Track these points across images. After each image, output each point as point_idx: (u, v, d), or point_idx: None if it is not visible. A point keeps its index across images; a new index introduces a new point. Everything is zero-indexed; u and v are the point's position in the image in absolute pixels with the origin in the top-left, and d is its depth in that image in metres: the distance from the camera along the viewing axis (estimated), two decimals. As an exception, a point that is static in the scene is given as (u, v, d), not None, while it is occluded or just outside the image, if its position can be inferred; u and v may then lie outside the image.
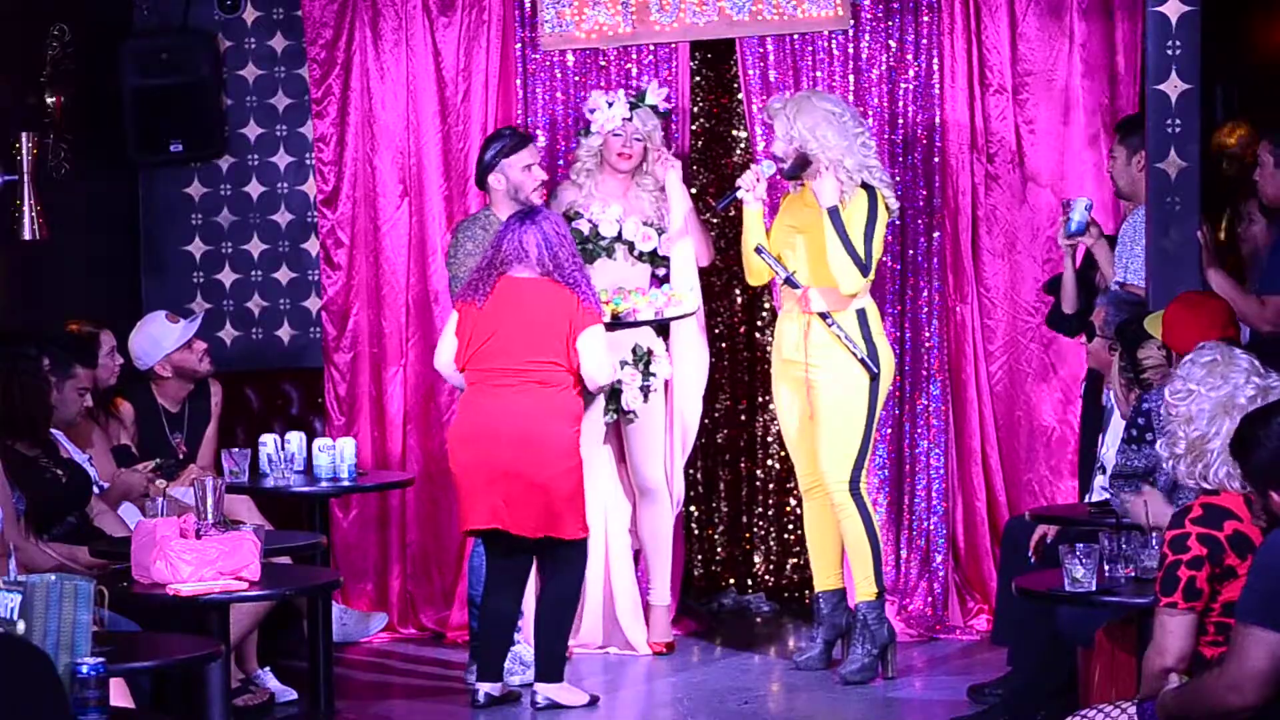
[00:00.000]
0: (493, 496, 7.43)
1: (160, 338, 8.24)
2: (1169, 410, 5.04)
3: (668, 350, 8.44)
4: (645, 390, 8.37)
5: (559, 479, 7.41)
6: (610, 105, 8.39)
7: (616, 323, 8.16)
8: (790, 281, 7.93)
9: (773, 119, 7.96)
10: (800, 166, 7.89)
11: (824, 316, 7.91)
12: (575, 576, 7.58)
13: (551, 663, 7.53)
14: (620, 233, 8.37)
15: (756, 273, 8.11)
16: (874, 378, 7.93)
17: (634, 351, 8.36)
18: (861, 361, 7.89)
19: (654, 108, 8.45)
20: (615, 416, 8.36)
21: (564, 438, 7.46)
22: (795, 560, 9.56)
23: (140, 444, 8.01)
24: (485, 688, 7.59)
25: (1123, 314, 7.24)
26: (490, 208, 8.12)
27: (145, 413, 8.16)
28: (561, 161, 8.72)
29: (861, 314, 7.95)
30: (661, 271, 8.43)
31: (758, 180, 7.97)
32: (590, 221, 8.34)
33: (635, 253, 8.39)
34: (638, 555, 8.55)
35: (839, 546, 8.06)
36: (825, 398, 7.93)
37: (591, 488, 8.30)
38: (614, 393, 8.32)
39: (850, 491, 7.92)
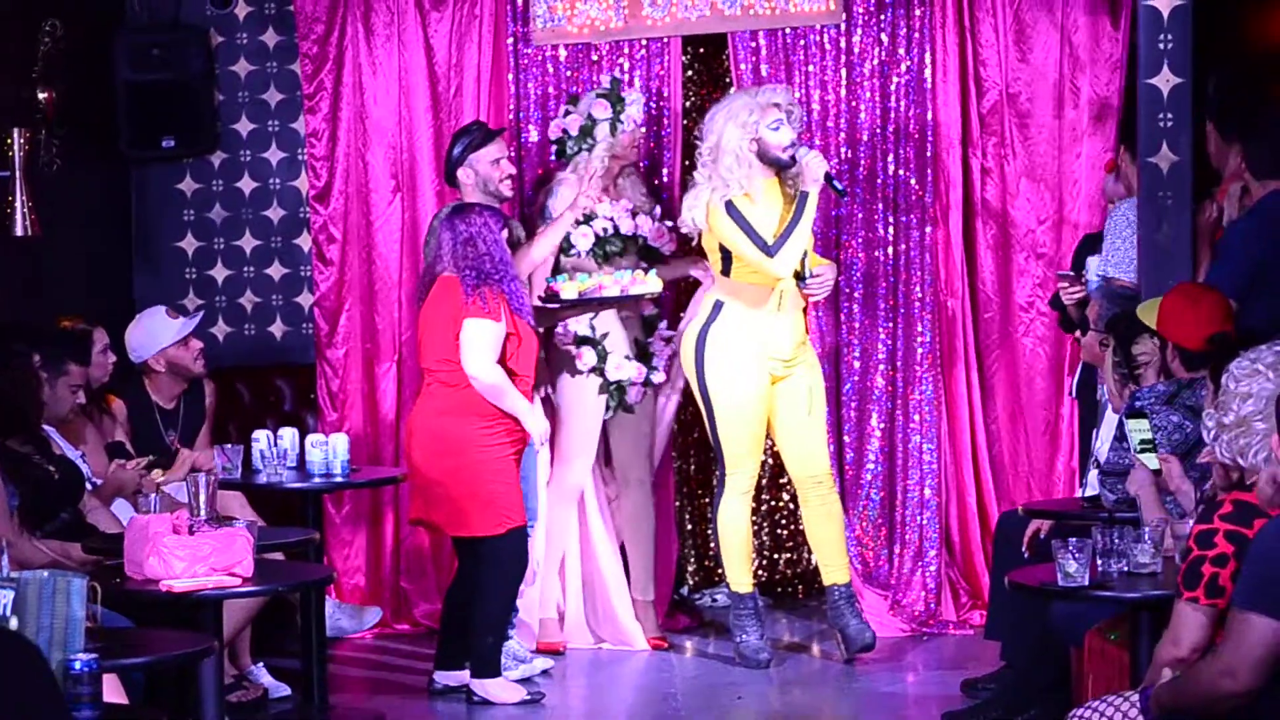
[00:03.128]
0: (416, 493, 7.61)
1: (158, 332, 8.23)
2: (1230, 384, 5.06)
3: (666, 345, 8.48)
4: (647, 385, 8.38)
5: (455, 474, 7.43)
6: (633, 101, 8.39)
7: (580, 301, 8.12)
8: (804, 276, 7.98)
9: (791, 112, 7.98)
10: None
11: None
12: (493, 575, 7.47)
13: (478, 658, 7.53)
14: (636, 230, 8.37)
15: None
16: None
17: (636, 344, 8.37)
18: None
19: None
20: (616, 412, 8.36)
21: (462, 434, 7.44)
22: (788, 555, 9.55)
23: (134, 441, 8.00)
24: (438, 675, 7.73)
25: (1116, 308, 7.24)
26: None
27: (138, 410, 8.15)
28: (554, 158, 8.69)
29: None
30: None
31: None
32: (610, 220, 8.32)
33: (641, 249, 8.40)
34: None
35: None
36: (819, 386, 8.15)
37: (594, 483, 8.38)
38: (618, 388, 8.32)
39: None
